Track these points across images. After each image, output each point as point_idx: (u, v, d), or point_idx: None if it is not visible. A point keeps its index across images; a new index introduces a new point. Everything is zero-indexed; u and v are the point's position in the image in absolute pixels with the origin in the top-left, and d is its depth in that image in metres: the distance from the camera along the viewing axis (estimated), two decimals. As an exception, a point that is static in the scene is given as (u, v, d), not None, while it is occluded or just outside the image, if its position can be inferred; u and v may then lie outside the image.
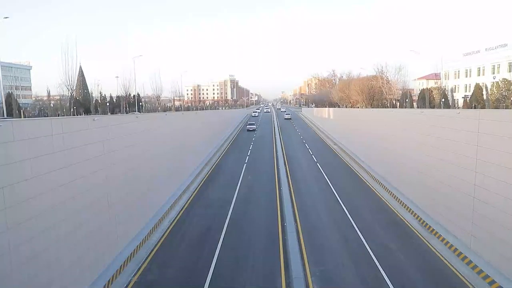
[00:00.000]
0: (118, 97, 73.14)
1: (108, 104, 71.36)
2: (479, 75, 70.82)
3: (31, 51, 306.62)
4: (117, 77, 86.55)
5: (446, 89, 69.98)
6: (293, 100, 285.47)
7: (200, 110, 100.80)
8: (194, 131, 42.76)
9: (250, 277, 17.37)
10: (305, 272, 17.40)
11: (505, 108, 42.80)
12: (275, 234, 22.34)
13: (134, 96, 68.20)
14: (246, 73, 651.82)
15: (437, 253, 19.42)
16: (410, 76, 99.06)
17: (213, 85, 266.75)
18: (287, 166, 41.59)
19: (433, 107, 56.82)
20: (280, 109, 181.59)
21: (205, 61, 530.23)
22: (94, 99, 71.15)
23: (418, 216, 24.18)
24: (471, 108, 51.00)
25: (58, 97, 67.12)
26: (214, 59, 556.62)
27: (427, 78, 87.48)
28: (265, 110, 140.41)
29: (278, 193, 30.96)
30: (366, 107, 75.71)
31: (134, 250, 19.54)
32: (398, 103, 69.06)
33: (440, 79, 74.63)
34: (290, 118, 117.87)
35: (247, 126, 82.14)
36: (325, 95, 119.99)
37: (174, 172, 31.29)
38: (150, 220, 23.61)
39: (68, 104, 55.05)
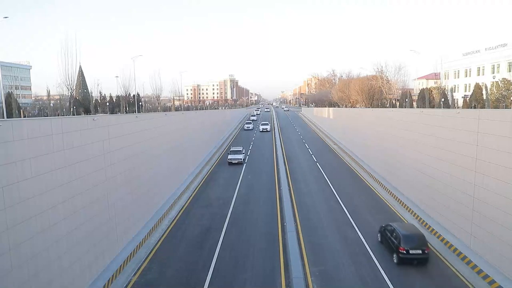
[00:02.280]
0: (118, 96, 72.99)
1: (108, 103, 71.24)
2: (478, 74, 70.76)
3: (31, 51, 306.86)
4: (117, 76, 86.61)
5: (446, 88, 69.91)
6: (292, 99, 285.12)
7: (200, 110, 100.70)
8: (194, 130, 42.76)
9: (250, 276, 17.37)
10: (304, 271, 17.41)
11: (505, 108, 42.79)
12: (275, 233, 22.34)
13: (134, 95, 68.02)
14: (245, 73, 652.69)
15: (436, 253, 19.42)
16: (410, 76, 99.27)
17: (213, 85, 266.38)
18: (286, 166, 41.57)
19: (433, 106, 56.80)
20: (278, 107, 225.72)
21: (204, 61, 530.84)
22: (94, 99, 70.97)
23: (417, 215, 24.20)
24: (471, 107, 51.00)
25: (58, 97, 66.90)
26: (214, 59, 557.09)
27: (427, 77, 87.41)
28: (261, 128, 78.70)
29: (278, 193, 30.95)
30: (366, 107, 75.64)
31: (134, 249, 19.55)
32: (398, 103, 68.97)
33: (440, 78, 74.59)
34: (288, 110, 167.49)
35: (229, 157, 43.85)
36: (324, 95, 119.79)
37: (174, 172, 31.28)
38: (150, 220, 23.61)
39: (68, 104, 54.92)
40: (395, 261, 18.39)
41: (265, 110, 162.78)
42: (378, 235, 21.33)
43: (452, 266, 17.95)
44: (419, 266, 17.93)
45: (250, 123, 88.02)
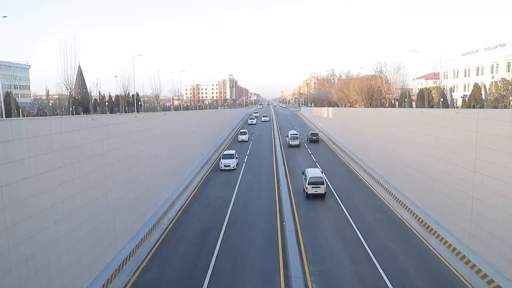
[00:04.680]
0: (117, 96, 72.77)
1: (107, 103, 71.08)
2: (478, 74, 70.77)
3: (30, 50, 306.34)
4: (116, 76, 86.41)
5: (445, 88, 69.99)
6: (292, 99, 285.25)
7: (199, 109, 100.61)
8: (193, 130, 42.74)
9: (249, 276, 17.38)
10: (304, 271, 17.42)
11: (504, 108, 42.84)
12: (274, 233, 22.34)
13: (133, 95, 67.88)
14: (245, 73, 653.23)
15: (436, 252, 19.45)
16: (409, 76, 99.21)
17: (212, 85, 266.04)
18: (286, 166, 41.58)
19: (432, 106, 56.82)
20: (276, 105, 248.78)
21: (204, 60, 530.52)
22: (93, 98, 70.88)
23: (417, 215, 24.22)
24: (470, 107, 51.03)
25: (57, 96, 66.85)
26: (213, 59, 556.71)
27: (426, 77, 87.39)
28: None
29: (277, 192, 30.93)
30: (365, 107, 75.67)
31: (133, 249, 19.54)
32: (397, 103, 69.02)
33: (439, 78, 74.65)
34: (286, 107, 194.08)
35: None
36: (324, 95, 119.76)
37: (173, 171, 31.27)
38: (149, 219, 23.61)
39: (67, 103, 54.89)
40: (308, 141, 61.28)
41: (263, 118, 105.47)
42: (306, 137, 63.15)
43: (451, 265, 17.98)
44: (315, 143, 59.78)
45: (230, 157, 41.12)
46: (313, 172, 30.12)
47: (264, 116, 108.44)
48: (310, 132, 65.56)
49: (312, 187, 28.81)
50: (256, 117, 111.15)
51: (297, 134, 57.11)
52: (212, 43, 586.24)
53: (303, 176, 31.27)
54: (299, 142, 56.28)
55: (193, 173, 37.19)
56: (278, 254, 19.45)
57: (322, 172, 31.73)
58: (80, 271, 15.28)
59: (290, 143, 55.49)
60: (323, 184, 29.14)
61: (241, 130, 68.31)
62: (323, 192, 29.05)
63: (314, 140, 61.02)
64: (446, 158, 21.62)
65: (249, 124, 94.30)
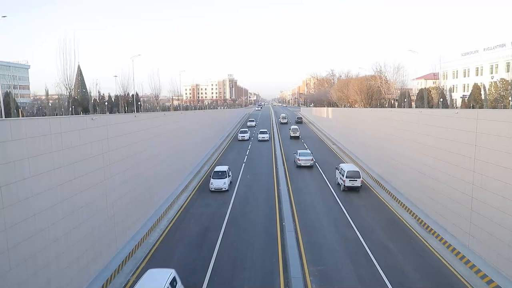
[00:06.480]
0: (116, 96, 72.79)
1: (106, 103, 71.09)
2: (477, 75, 70.86)
3: (29, 50, 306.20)
4: (115, 76, 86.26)
5: (445, 89, 70.04)
6: (291, 99, 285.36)
7: (199, 109, 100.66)
8: (193, 130, 42.72)
9: (249, 276, 17.37)
10: (303, 271, 17.41)
11: (503, 108, 42.87)
12: (274, 233, 22.34)
13: (132, 95, 67.87)
14: (245, 73, 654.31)
15: (435, 252, 19.46)
16: (409, 76, 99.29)
17: (212, 85, 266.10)
18: (285, 166, 41.55)
19: (431, 107, 56.86)
20: (275, 105, 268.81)
21: (203, 60, 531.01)
22: (93, 98, 70.93)
23: (416, 215, 24.24)
24: (469, 108, 51.07)
25: (57, 96, 66.92)
26: (213, 59, 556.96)
27: (426, 78, 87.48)
28: None
29: (277, 193, 30.93)
30: (365, 107, 75.70)
31: (133, 249, 19.53)
32: (397, 103, 69.05)
33: (438, 79, 74.75)
34: (286, 107, 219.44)
35: None
36: (323, 95, 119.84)
37: (173, 171, 31.24)
38: (148, 220, 23.59)
39: (66, 103, 54.91)
40: (295, 122, 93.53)
41: (261, 136, 63.38)
42: (294, 121, 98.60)
43: (450, 265, 18.00)
44: (299, 123, 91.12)
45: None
46: (293, 127, 68.70)
47: (262, 133, 64.62)
48: (296, 116, 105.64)
49: (293, 133, 65.46)
50: (250, 126, 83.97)
51: (286, 116, 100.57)
52: (212, 43, 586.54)
53: (289, 130, 68.12)
54: (287, 121, 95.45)
55: (193, 173, 37.17)
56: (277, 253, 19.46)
57: (298, 129, 67.34)
58: (79, 271, 15.27)
59: (281, 121, 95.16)
60: (298, 131, 66.18)
61: (216, 169, 33.45)
62: (298, 135, 65.20)
63: (299, 122, 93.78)
64: (445, 158, 21.63)
65: (239, 140, 62.69)
